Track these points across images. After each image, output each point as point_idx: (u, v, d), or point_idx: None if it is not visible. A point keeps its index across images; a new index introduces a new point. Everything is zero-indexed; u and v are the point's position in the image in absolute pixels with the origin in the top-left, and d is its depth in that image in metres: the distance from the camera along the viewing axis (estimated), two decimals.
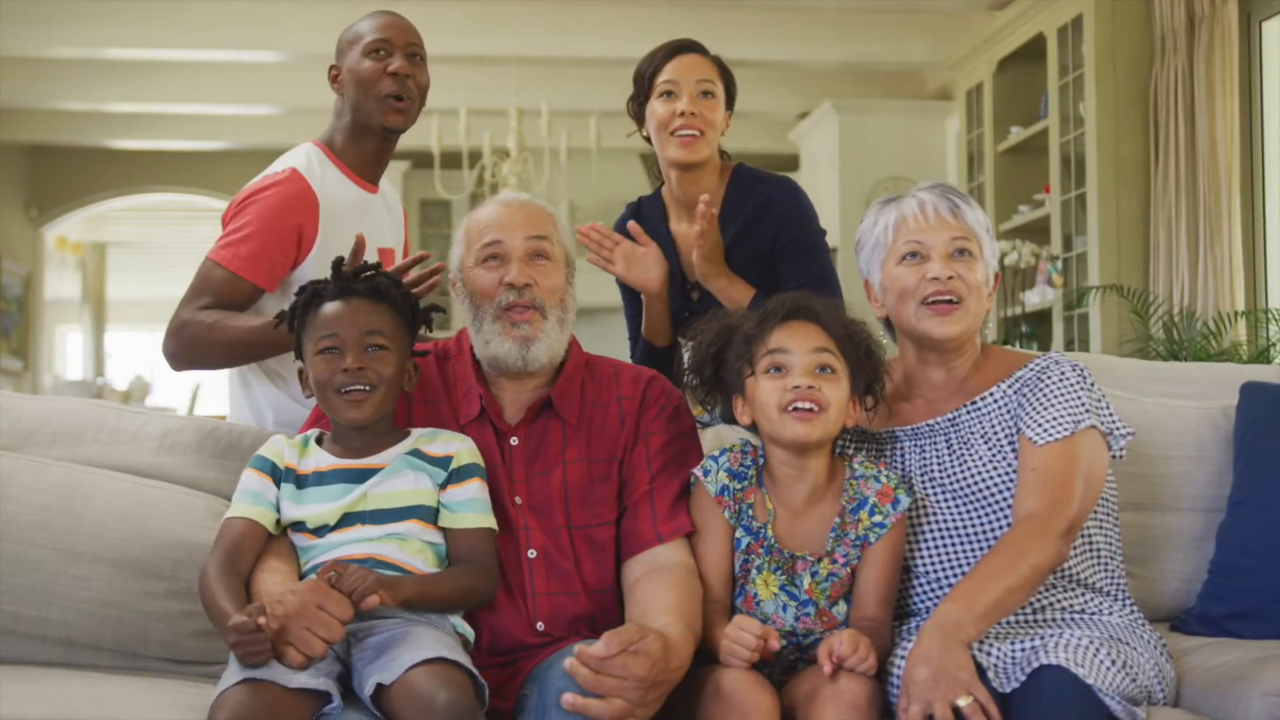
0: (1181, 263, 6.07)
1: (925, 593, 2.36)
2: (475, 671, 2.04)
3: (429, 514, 2.28)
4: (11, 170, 11.77)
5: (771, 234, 3.05)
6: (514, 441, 2.41)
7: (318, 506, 2.25)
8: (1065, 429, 2.29)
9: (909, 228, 2.42)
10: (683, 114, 3.02)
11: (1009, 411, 2.37)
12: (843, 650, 2.09)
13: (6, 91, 9.38)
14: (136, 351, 16.34)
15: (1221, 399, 2.88)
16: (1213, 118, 5.93)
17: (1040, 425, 2.30)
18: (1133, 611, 2.36)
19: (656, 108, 3.06)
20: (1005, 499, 2.32)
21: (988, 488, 2.34)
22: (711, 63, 3.10)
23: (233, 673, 2.00)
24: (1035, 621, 2.28)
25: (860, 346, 2.32)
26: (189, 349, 2.79)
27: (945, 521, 2.36)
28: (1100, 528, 2.39)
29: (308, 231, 2.84)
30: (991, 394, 2.40)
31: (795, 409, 2.25)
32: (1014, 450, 2.34)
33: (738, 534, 2.33)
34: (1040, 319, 7.32)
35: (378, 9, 3.00)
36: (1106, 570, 2.38)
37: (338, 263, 2.35)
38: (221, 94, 9.57)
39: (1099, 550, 2.38)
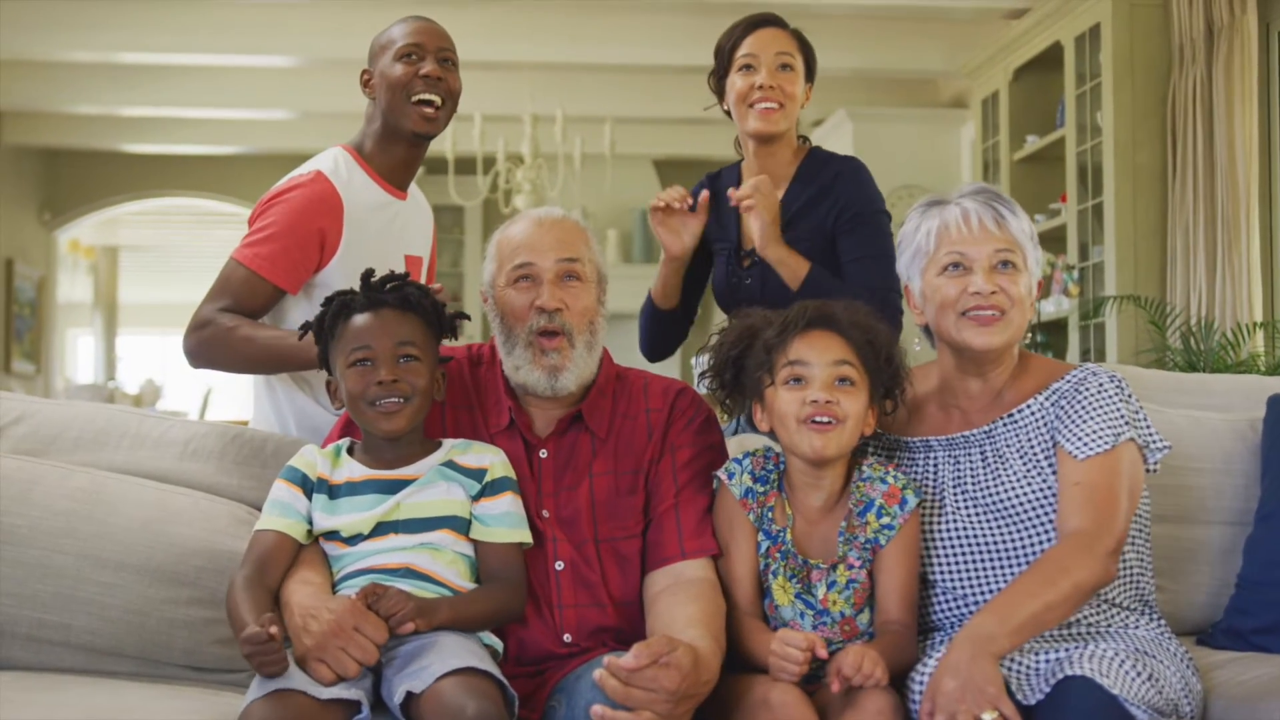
0: (1199, 273, 6.05)
1: (950, 608, 2.35)
2: (505, 681, 2.03)
3: (461, 525, 2.27)
4: (26, 174, 11.78)
5: (835, 209, 3.07)
6: (543, 454, 2.40)
7: (351, 516, 2.24)
8: (1105, 442, 2.27)
9: (951, 238, 2.38)
10: (761, 87, 3.06)
11: (1046, 425, 2.35)
12: (847, 671, 2.07)
13: (21, 95, 9.39)
14: (147, 355, 16.38)
15: (1248, 411, 2.86)
16: (1231, 127, 5.90)
17: (1080, 439, 2.28)
18: (1159, 625, 2.34)
19: (736, 81, 3.11)
20: (1038, 516, 2.30)
21: (1021, 504, 2.32)
22: (791, 36, 3.15)
23: (262, 682, 1.99)
24: (1060, 636, 2.26)
25: (881, 353, 2.31)
26: (206, 349, 2.79)
27: (975, 536, 2.34)
28: (1132, 544, 2.37)
29: (330, 235, 2.83)
30: (1029, 406, 2.37)
31: (814, 422, 2.25)
32: (1050, 466, 2.32)
33: (758, 537, 2.33)
34: (1056, 329, 7.29)
35: (410, 14, 2.99)
36: (1136, 587, 2.36)
37: (367, 274, 2.34)
38: (235, 99, 9.57)
39: (1130, 567, 2.36)
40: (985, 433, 2.39)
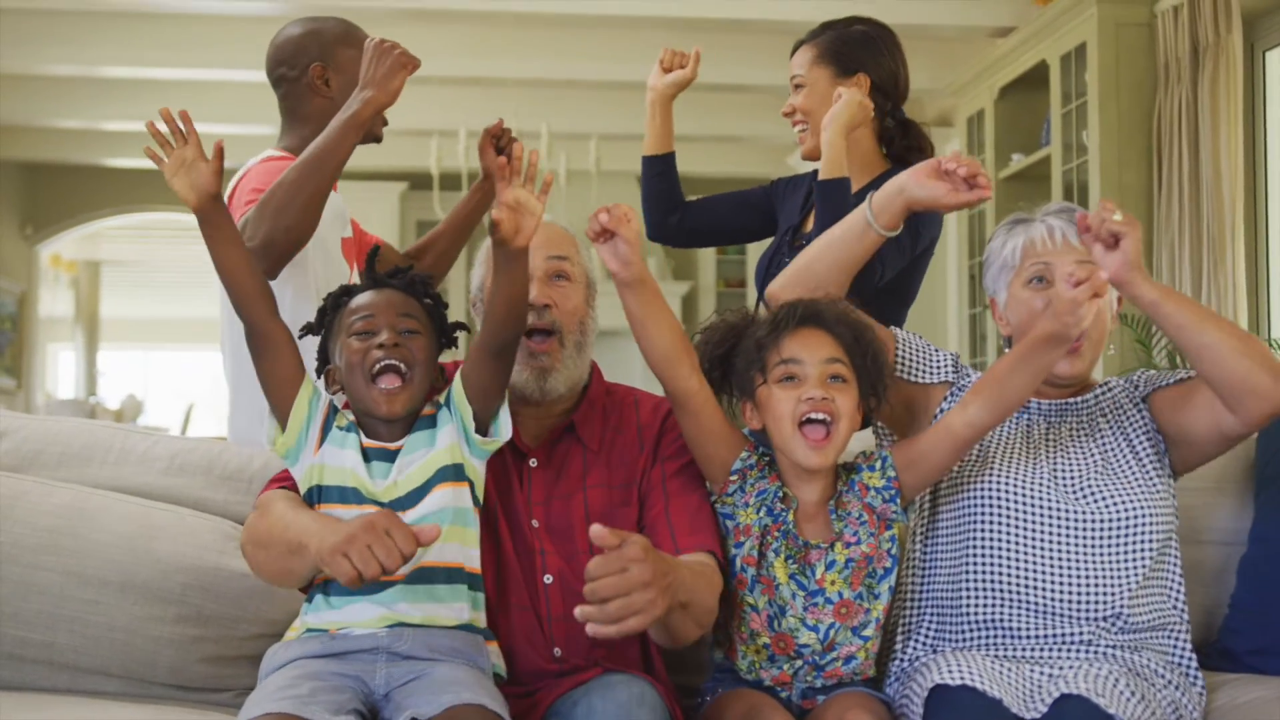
0: (1185, 292, 6.06)
1: (976, 577, 2.32)
2: None
3: (457, 472, 2.20)
4: (7, 188, 11.73)
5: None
6: (533, 464, 2.38)
7: (350, 456, 2.18)
8: None
9: (1036, 252, 2.46)
10: (787, 114, 3.16)
11: (1131, 402, 2.45)
12: (1098, 218, 2.19)
13: (2, 109, 9.34)
14: (129, 370, 16.33)
15: None
16: (1216, 147, 5.92)
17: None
18: (1169, 650, 2.33)
19: None
20: (1109, 494, 2.32)
21: (1100, 471, 2.36)
22: (806, 50, 3.16)
23: (254, 706, 1.95)
24: (1055, 657, 2.25)
25: (867, 352, 2.33)
26: (272, 213, 2.63)
27: (1054, 506, 2.34)
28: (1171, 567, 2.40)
29: None
30: (1109, 386, 2.48)
31: (809, 420, 2.25)
32: (1135, 454, 2.39)
33: (759, 514, 2.32)
34: None
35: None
36: (1159, 609, 2.37)
37: (372, 253, 2.32)
38: (217, 113, 9.53)
39: (1167, 584, 2.38)
40: (1078, 403, 2.46)
